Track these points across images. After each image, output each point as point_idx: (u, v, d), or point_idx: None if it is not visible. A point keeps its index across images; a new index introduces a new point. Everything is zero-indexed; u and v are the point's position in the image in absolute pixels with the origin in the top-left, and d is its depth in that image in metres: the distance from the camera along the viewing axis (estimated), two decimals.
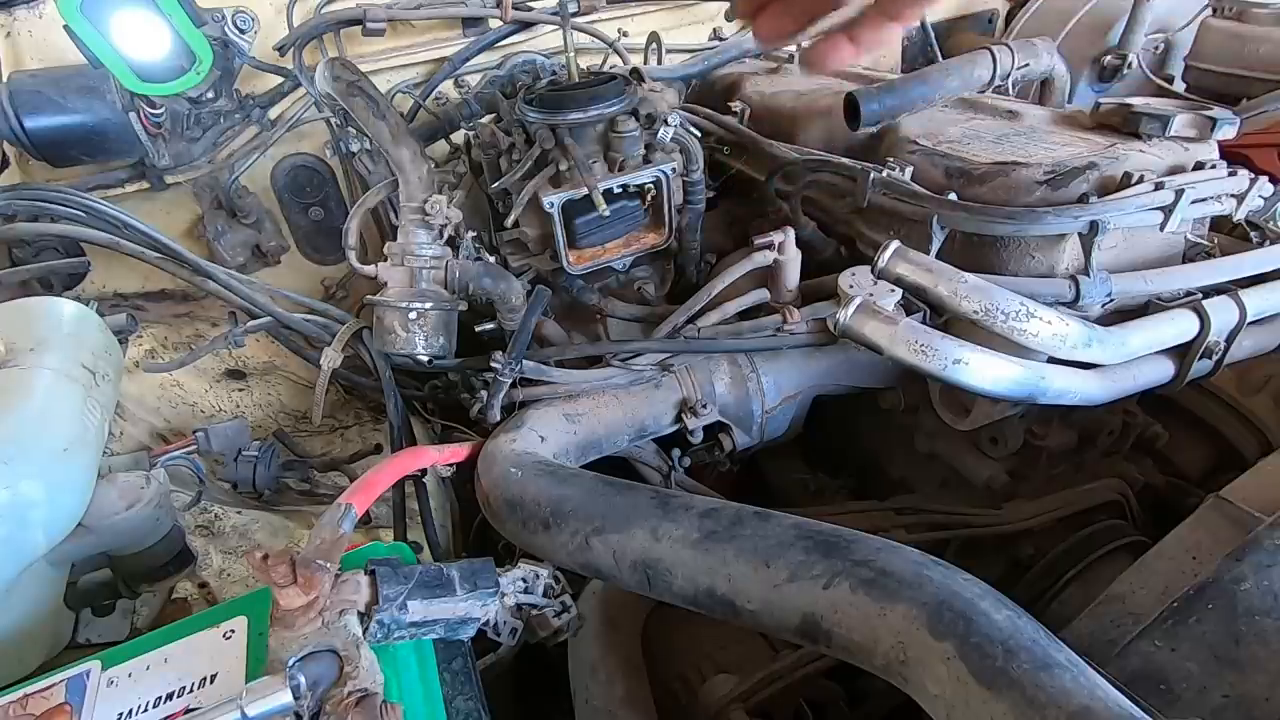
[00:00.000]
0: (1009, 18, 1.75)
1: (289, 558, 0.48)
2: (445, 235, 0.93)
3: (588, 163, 0.90)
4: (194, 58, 1.21)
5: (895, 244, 0.74)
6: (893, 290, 0.78)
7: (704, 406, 0.91)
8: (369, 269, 0.96)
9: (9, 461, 0.61)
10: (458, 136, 1.32)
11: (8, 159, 1.19)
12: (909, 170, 0.88)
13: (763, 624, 0.63)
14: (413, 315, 0.90)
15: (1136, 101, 0.88)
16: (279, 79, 1.31)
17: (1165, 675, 0.64)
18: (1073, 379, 0.76)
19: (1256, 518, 0.71)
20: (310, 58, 1.25)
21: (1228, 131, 0.82)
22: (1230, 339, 0.81)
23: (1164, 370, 0.82)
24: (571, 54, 0.98)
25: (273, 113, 1.33)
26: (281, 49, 1.26)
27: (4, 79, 1.13)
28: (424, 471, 0.85)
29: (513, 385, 0.85)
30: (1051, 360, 0.76)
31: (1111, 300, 0.81)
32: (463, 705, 0.54)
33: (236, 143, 1.33)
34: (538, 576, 0.66)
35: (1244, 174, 0.84)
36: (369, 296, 0.93)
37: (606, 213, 0.89)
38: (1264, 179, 0.84)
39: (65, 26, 1.13)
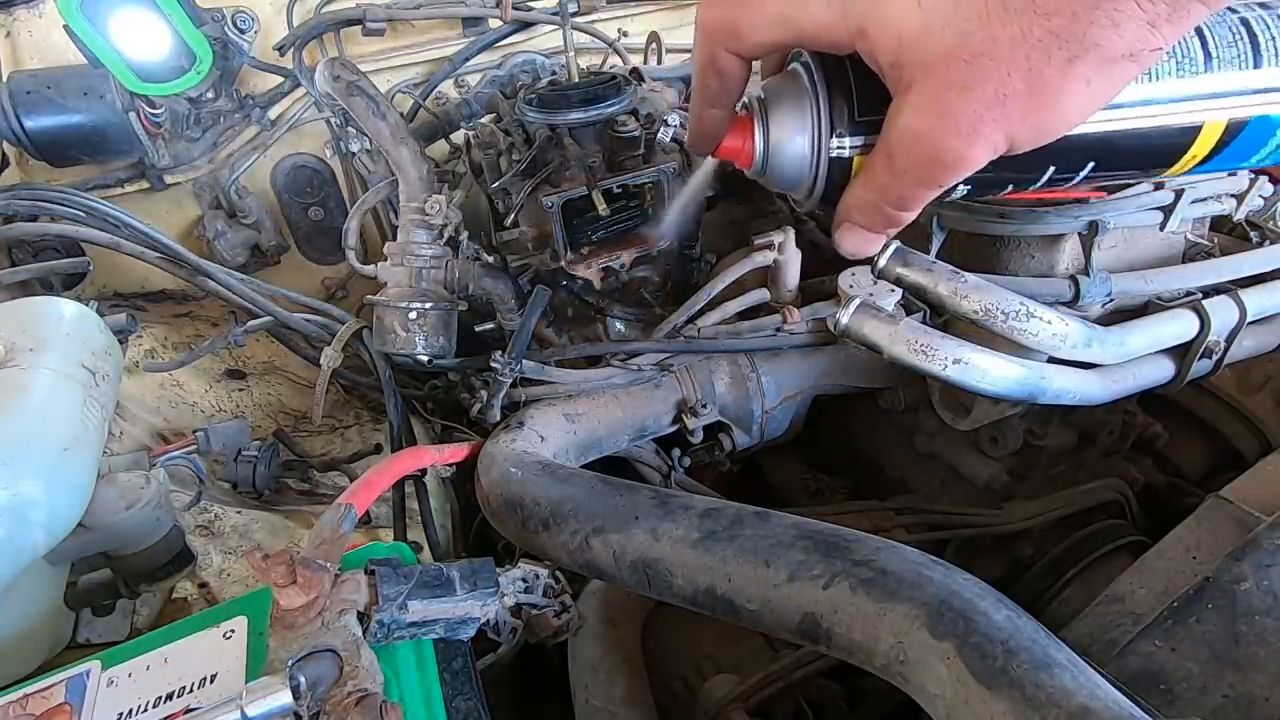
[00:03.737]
0: None
1: (288, 558, 0.48)
2: (445, 235, 0.93)
3: (587, 163, 0.91)
4: (194, 58, 1.21)
5: (895, 244, 0.74)
6: (893, 290, 0.78)
7: (704, 406, 0.91)
8: (369, 269, 0.96)
9: (9, 461, 0.61)
10: (458, 136, 1.32)
11: (8, 159, 1.19)
12: None
13: (763, 624, 0.63)
14: (413, 315, 0.90)
15: None
16: (279, 79, 1.31)
17: (1165, 675, 0.64)
18: (1073, 379, 0.76)
19: (1256, 518, 0.71)
20: (310, 58, 1.25)
21: None
22: (1230, 339, 0.81)
23: (1164, 370, 0.82)
24: (571, 54, 0.98)
25: (273, 113, 1.33)
26: (281, 49, 1.27)
27: (4, 79, 1.13)
28: (424, 471, 0.85)
29: (513, 385, 0.85)
30: (1051, 360, 0.76)
31: (1111, 300, 0.81)
32: (463, 705, 0.54)
33: (236, 143, 1.33)
34: (538, 576, 0.66)
35: (1244, 174, 0.84)
36: (369, 296, 0.93)
37: (606, 213, 0.89)
38: (1264, 179, 0.84)
39: (65, 26, 1.13)
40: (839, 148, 0.47)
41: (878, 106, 0.45)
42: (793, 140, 0.48)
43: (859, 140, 0.47)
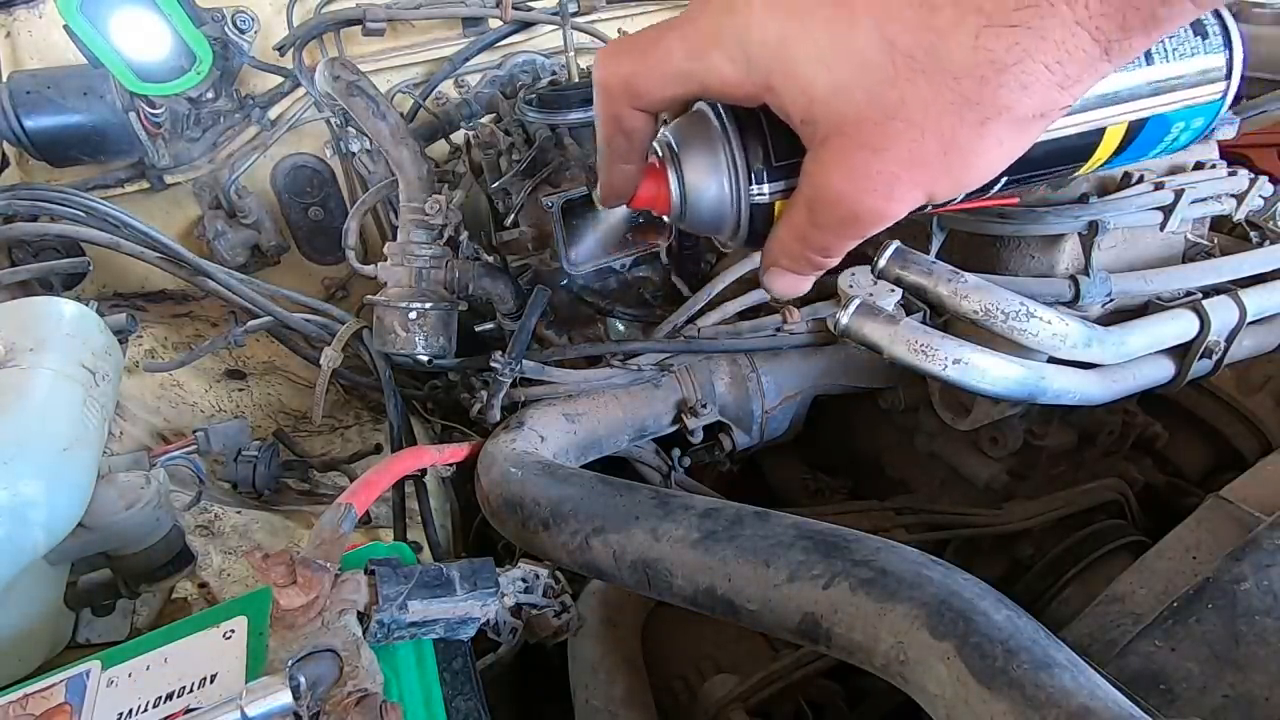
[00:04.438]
0: None
1: (288, 558, 0.48)
2: (445, 235, 0.93)
3: (587, 163, 0.91)
4: (194, 58, 1.21)
5: (895, 244, 0.74)
6: (893, 290, 0.78)
7: (704, 406, 0.91)
8: (369, 269, 0.96)
9: (9, 461, 0.61)
10: (458, 136, 1.32)
11: (8, 159, 1.19)
12: None
13: (763, 624, 0.63)
14: (413, 315, 0.90)
15: None
16: (279, 79, 1.31)
17: (1165, 675, 0.64)
18: (1073, 379, 0.76)
19: (1256, 518, 0.71)
20: (310, 58, 1.25)
21: (1228, 131, 0.82)
22: (1230, 339, 0.81)
23: (1164, 370, 0.82)
24: (571, 54, 0.99)
25: (273, 113, 1.33)
26: (281, 49, 1.27)
27: (4, 79, 1.13)
28: (424, 471, 0.85)
29: (513, 385, 0.85)
30: (1051, 360, 0.76)
31: (1111, 300, 0.81)
32: (463, 705, 0.54)
33: (236, 143, 1.33)
34: (538, 576, 0.66)
35: (1244, 174, 0.84)
36: (369, 296, 0.93)
37: None
38: (1264, 179, 0.84)
39: (65, 26, 1.13)
40: (759, 194, 0.46)
41: (794, 150, 0.43)
42: (709, 188, 0.47)
43: (779, 185, 0.46)
